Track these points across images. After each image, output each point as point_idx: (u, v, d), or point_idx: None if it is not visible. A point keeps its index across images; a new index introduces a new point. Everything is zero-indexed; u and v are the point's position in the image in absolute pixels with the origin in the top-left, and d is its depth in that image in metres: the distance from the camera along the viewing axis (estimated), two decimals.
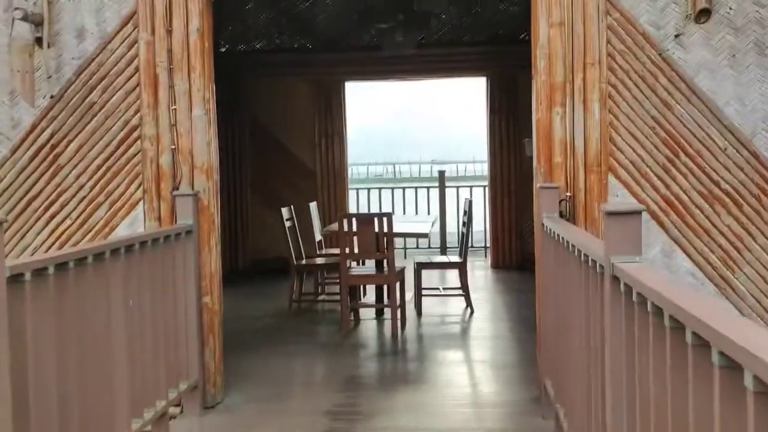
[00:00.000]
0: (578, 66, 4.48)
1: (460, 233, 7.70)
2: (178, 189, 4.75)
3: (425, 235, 6.74)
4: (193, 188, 4.77)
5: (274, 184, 10.44)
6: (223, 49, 10.47)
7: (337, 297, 7.32)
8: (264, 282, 9.45)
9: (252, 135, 10.41)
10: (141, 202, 4.82)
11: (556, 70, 4.52)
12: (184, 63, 4.68)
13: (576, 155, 4.50)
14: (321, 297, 7.80)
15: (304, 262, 7.40)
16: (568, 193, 4.50)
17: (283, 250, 7.65)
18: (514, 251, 10.15)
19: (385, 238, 6.42)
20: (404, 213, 11.22)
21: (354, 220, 6.48)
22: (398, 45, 7.63)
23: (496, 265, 10.14)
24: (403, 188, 11.46)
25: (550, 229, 4.10)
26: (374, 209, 11.30)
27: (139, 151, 4.78)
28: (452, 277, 8.44)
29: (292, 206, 7.64)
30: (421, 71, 10.28)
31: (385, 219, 6.38)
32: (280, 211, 7.63)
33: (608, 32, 4.47)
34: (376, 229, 6.41)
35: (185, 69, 4.69)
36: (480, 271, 9.95)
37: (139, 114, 4.76)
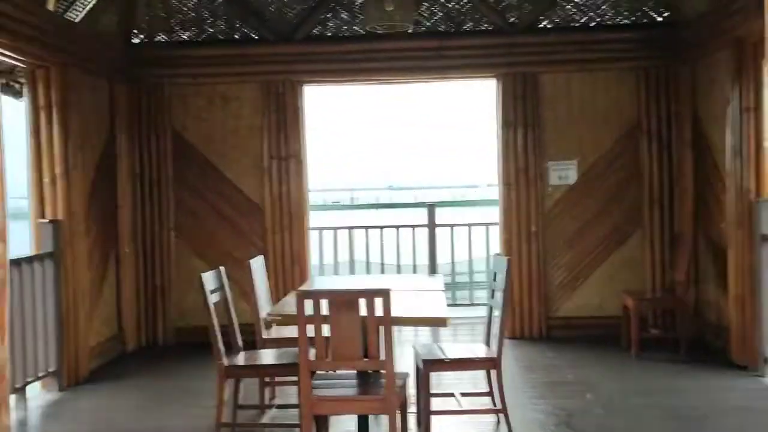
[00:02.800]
0: None
1: (489, 310, 4.96)
2: None
3: (444, 323, 3.98)
4: None
5: (205, 224, 7.59)
6: (137, 41, 7.65)
7: (296, 409, 4.53)
8: (191, 365, 6.59)
9: (176, 156, 7.57)
10: None
11: None
12: None
13: None
14: (270, 412, 4.96)
15: (241, 360, 4.56)
16: None
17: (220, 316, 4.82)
18: (537, 316, 7.42)
19: (377, 332, 3.65)
20: (383, 267, 8.43)
21: (324, 302, 3.70)
22: (387, 16, 4.91)
23: (514, 335, 7.39)
24: (381, 227, 8.70)
25: None
26: (344, 262, 8.48)
27: None
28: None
29: (222, 268, 4.80)
30: (407, 71, 7.56)
31: (379, 299, 3.63)
32: (213, 272, 4.78)
33: None
34: (363, 312, 3.66)
35: None
36: None
37: None
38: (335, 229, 8.53)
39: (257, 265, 5.32)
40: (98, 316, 6.76)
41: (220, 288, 4.70)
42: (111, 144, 7.13)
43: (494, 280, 4.88)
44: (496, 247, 9.71)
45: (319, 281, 5.91)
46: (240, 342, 4.77)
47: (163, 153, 7.51)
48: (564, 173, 7.41)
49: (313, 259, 8.39)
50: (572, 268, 7.45)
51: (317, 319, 3.68)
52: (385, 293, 3.65)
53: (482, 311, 8.53)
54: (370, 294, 3.66)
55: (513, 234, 7.44)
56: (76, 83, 6.28)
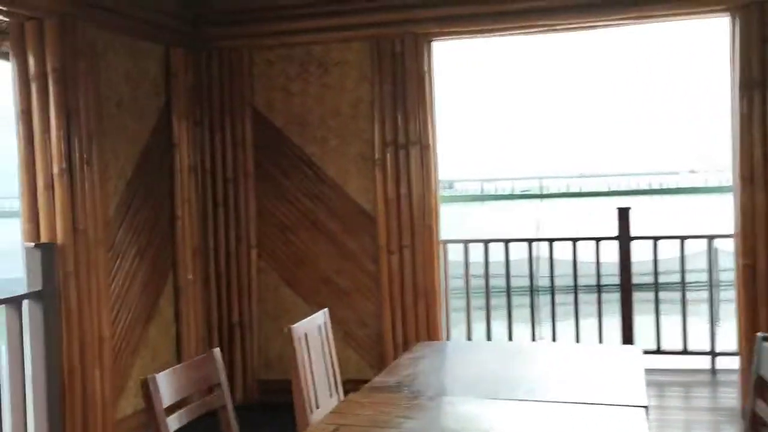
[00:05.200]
0: None
1: None
2: None
3: None
4: None
5: (298, 240, 5.48)
6: None
7: None
8: None
9: (258, 146, 5.51)
10: None
11: None
12: None
13: None
14: None
15: None
16: None
17: None
18: None
19: None
20: (554, 316, 5.86)
21: None
22: None
23: None
24: (550, 241, 6.20)
25: None
26: (499, 290, 6.03)
27: None
28: None
29: (216, 350, 2.60)
30: (584, 11, 4.99)
31: None
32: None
33: None
34: None
35: None
36: None
37: None
38: (485, 242, 6.10)
39: (309, 328, 3.07)
40: (140, 370, 4.83)
41: (205, 394, 2.50)
42: (163, 131, 5.17)
43: (755, 394, 2.34)
44: (727, 261, 6.92)
45: (453, 350, 3.63)
46: None
47: (241, 142, 5.46)
48: None
49: (455, 282, 6.10)
50: None
51: None
52: None
53: (702, 361, 5.89)
54: None
55: (758, 256, 4.70)
56: (90, 43, 4.33)
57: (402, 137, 5.21)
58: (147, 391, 2.20)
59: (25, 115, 4.11)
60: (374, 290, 5.30)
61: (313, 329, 3.11)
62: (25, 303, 3.96)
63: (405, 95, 5.19)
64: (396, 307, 5.23)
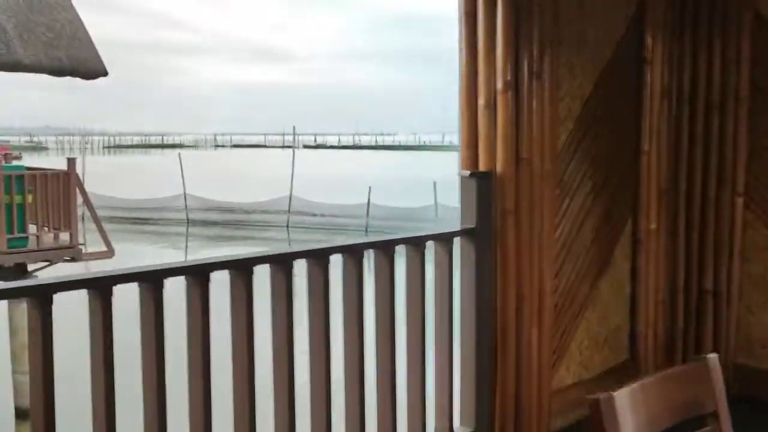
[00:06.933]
0: None
1: None
2: None
3: None
4: None
5: None
6: None
7: None
8: None
9: (755, 63, 4.18)
10: None
11: None
12: None
13: None
14: None
15: None
16: None
17: None
18: None
19: None
20: None
21: None
22: None
23: None
24: None
25: None
26: None
27: None
28: None
29: None
30: None
31: None
32: None
33: None
34: None
35: None
36: None
37: None
38: None
39: None
40: (584, 333, 4.00)
41: None
42: (631, 44, 4.15)
43: None
44: None
45: None
46: None
47: (734, 59, 4.19)
48: None
49: None
50: None
51: None
52: None
53: None
54: None
55: None
56: None
57: None
58: (598, 417, 1.29)
59: (470, 17, 3.43)
60: None
61: None
62: (456, 241, 3.34)
63: None
64: None
